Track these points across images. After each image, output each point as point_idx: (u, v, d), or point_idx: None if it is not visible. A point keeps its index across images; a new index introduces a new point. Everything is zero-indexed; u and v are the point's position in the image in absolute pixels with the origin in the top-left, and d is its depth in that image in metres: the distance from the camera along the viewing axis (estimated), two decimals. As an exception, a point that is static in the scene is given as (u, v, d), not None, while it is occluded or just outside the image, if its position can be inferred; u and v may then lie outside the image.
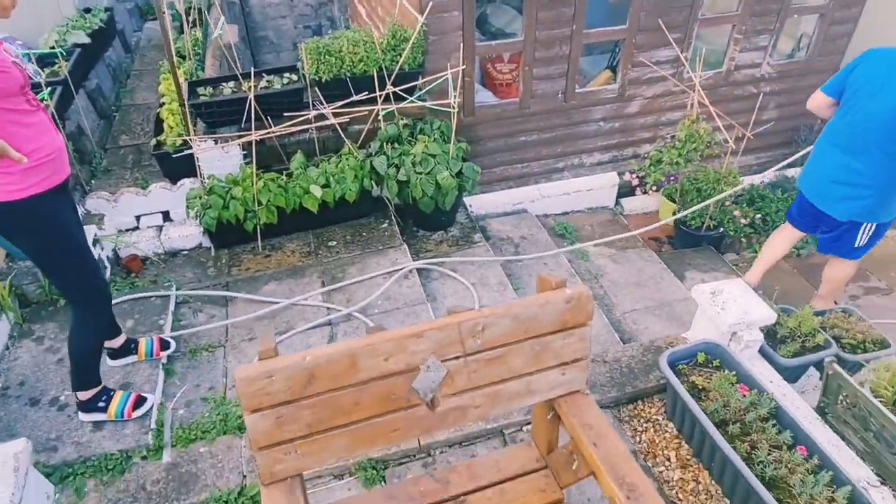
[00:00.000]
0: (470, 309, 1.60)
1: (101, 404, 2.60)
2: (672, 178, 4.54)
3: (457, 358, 1.60)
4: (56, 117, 3.58)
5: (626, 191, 5.08)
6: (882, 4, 5.01)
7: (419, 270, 3.71)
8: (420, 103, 3.87)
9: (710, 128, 4.35)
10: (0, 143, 1.89)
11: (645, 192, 4.96)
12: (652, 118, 4.81)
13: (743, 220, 4.58)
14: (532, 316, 1.62)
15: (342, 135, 3.87)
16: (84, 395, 2.56)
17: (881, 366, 2.88)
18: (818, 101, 3.34)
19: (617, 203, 5.12)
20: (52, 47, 4.26)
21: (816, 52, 4.82)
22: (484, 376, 1.64)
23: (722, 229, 4.57)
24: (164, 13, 3.47)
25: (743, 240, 4.69)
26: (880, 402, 2.76)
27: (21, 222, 2.12)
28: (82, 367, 2.51)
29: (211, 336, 3.24)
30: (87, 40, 4.69)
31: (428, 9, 3.58)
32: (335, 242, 3.95)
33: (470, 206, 4.57)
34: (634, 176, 4.89)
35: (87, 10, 5.18)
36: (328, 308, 3.39)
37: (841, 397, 2.82)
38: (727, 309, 2.86)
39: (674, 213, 4.67)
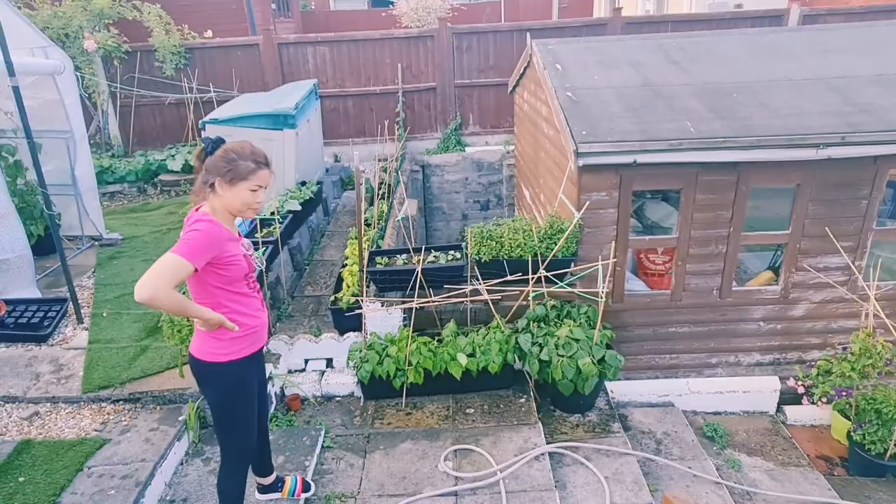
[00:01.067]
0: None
1: None
2: (844, 392, 4.11)
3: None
4: (263, 272, 4.36)
5: (789, 398, 4.65)
6: None
7: (551, 455, 3.67)
8: (569, 289, 4.08)
9: (891, 343, 3.96)
10: (220, 317, 2.37)
11: (813, 403, 4.49)
12: (821, 324, 4.51)
13: (940, 455, 3.92)
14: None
15: (493, 309, 4.17)
16: None
17: None
18: None
19: (779, 410, 4.68)
20: (272, 213, 5.28)
21: None
22: None
23: (912, 461, 3.94)
24: (360, 185, 4.21)
25: (942, 478, 3.97)
26: None
27: (216, 380, 2.54)
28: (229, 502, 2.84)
29: (346, 485, 3.44)
30: (298, 208, 5.74)
31: (585, 207, 3.92)
32: (473, 410, 4.08)
33: (611, 391, 4.50)
34: (800, 384, 4.50)
35: (303, 183, 6.39)
36: (456, 479, 3.45)
37: None
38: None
39: (848, 433, 4.15)
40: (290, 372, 4.34)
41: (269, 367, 4.12)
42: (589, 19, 10.27)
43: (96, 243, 6.06)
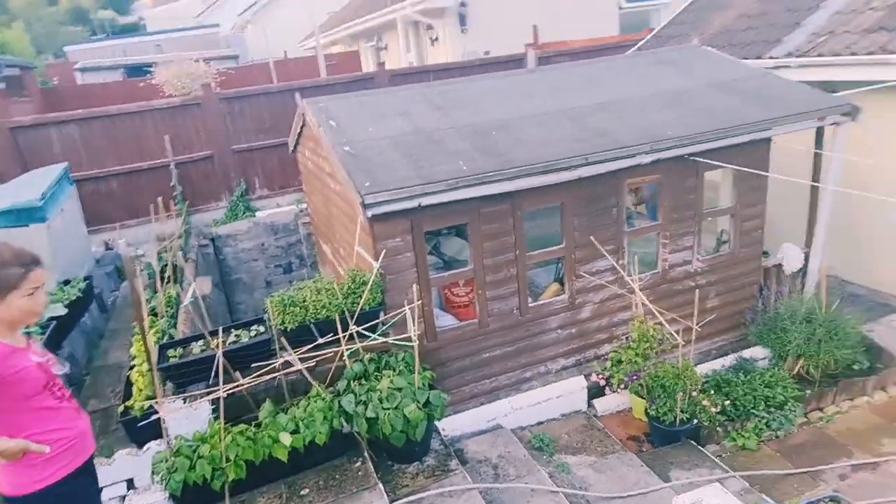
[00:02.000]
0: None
1: None
2: (635, 376, 4.67)
3: None
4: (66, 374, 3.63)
5: (596, 391, 5.15)
6: (777, 202, 5.74)
7: (396, 511, 3.56)
8: (383, 339, 4.07)
9: (658, 324, 4.62)
10: (21, 443, 2.03)
11: (614, 391, 5.03)
12: (605, 320, 5.10)
13: (714, 409, 4.63)
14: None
15: (309, 377, 3.98)
16: None
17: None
18: None
19: (590, 405, 5.16)
20: (28, 327, 4.46)
21: (738, 244, 5.36)
22: None
23: (696, 421, 4.59)
24: (136, 277, 3.76)
25: (719, 429, 4.68)
26: None
27: None
28: None
29: None
30: (63, 311, 4.94)
31: (382, 255, 3.97)
32: (308, 490, 3.81)
33: (443, 429, 4.55)
34: (601, 377, 5.01)
35: (67, 282, 5.53)
36: (301, 571, 3.16)
37: None
38: (711, 520, 2.79)
39: (645, 410, 4.71)
40: (80, 508, 3.63)
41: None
42: (357, 74, 10.67)
43: None
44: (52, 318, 4.76)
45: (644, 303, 4.62)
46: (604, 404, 5.14)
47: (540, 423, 4.95)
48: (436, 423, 4.48)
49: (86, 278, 5.81)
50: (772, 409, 4.77)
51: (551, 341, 4.98)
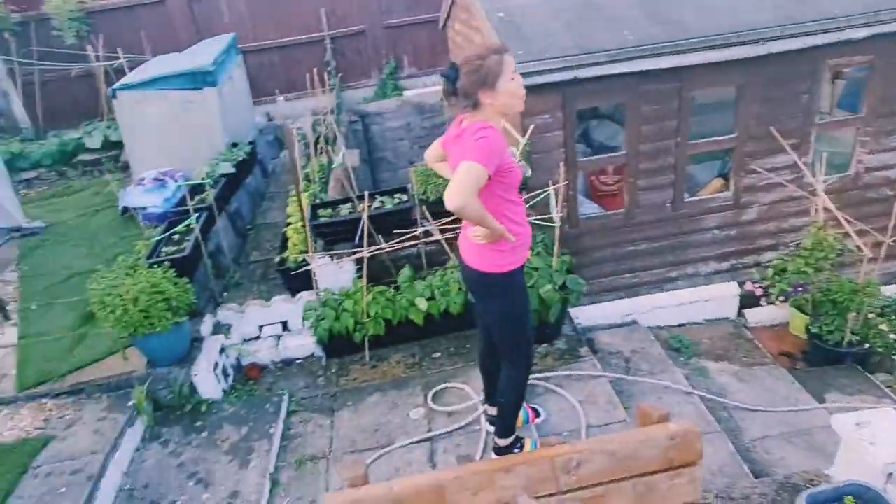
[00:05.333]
0: (562, 442, 1.52)
1: (516, 451, 2.88)
2: (800, 287, 4.17)
3: (550, 496, 1.50)
4: (200, 238, 4.07)
5: (749, 301, 4.71)
6: None
7: (522, 386, 3.61)
8: (523, 218, 3.94)
9: (840, 235, 4.01)
10: (502, 228, 2.32)
11: (771, 303, 4.57)
12: (773, 225, 4.54)
13: (892, 335, 4.04)
14: (631, 453, 1.50)
15: (447, 249, 4.02)
16: (503, 442, 2.87)
17: None
18: None
19: (740, 314, 4.76)
20: (203, 178, 4.92)
21: (963, 149, 4.39)
22: (581, 518, 1.52)
23: (867, 345, 4.06)
24: (293, 144, 3.94)
25: (894, 357, 4.11)
26: None
27: (503, 290, 2.55)
28: (510, 418, 2.85)
29: (315, 447, 3.31)
30: (232, 170, 5.38)
31: (530, 131, 3.75)
32: (439, 354, 3.98)
33: (577, 318, 4.46)
34: (757, 286, 4.55)
35: (235, 145, 5.99)
36: (429, 424, 3.36)
37: None
38: (878, 444, 2.47)
39: (807, 327, 4.24)
40: (244, 341, 4.12)
41: (220, 339, 3.90)
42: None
43: (16, 234, 5.58)
44: (223, 175, 5.21)
45: (828, 207, 4.00)
46: (756, 315, 4.71)
47: (681, 326, 4.69)
48: (570, 309, 4.40)
49: (250, 143, 6.24)
50: (970, 345, 4.07)
51: (706, 241, 4.56)
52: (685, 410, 3.65)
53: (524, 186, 3.80)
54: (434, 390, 3.62)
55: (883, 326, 4.08)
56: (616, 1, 4.12)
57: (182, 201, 4.60)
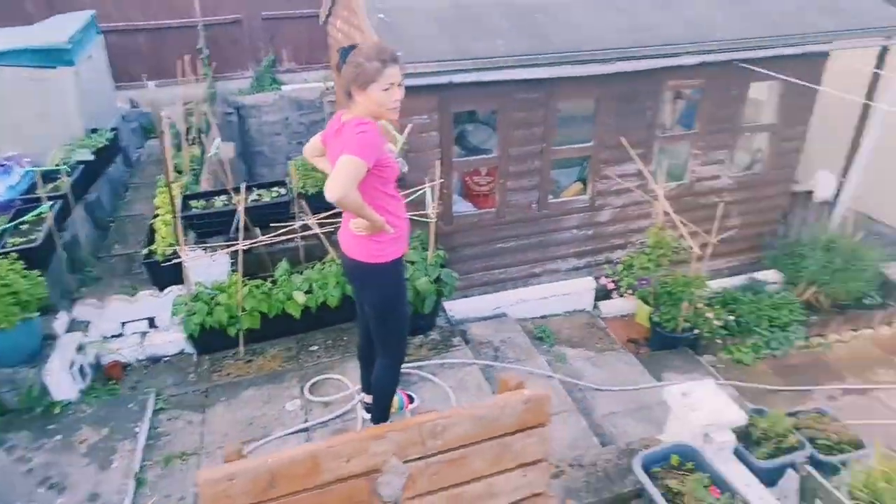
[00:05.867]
0: (431, 410, 1.68)
1: None
2: (644, 281, 4.72)
3: (418, 459, 1.65)
4: (53, 229, 3.77)
5: (603, 294, 5.23)
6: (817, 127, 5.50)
7: (398, 374, 3.75)
8: (400, 214, 4.09)
9: (677, 235, 4.60)
10: (382, 219, 2.43)
11: (621, 296, 5.11)
12: (622, 226, 5.08)
13: (716, 322, 4.71)
14: (492, 417, 1.69)
15: (325, 243, 4.06)
16: None
17: (857, 467, 2.89)
18: None
19: (595, 306, 5.26)
20: (58, 165, 4.54)
21: (770, 165, 5.20)
22: (445, 478, 1.69)
23: (697, 331, 4.69)
24: (163, 132, 3.78)
25: (718, 341, 4.78)
26: (856, 504, 2.74)
27: (383, 279, 2.67)
28: (384, 404, 2.97)
29: (185, 443, 3.21)
30: (91, 157, 5.00)
31: (407, 130, 3.91)
32: (317, 347, 4.01)
33: (450, 310, 4.69)
34: (610, 280, 5.07)
35: (94, 131, 5.56)
36: (306, 415, 3.40)
37: (818, 500, 2.80)
38: (698, 410, 2.91)
39: (649, 316, 4.80)
40: (105, 338, 3.87)
41: (77, 337, 3.64)
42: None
43: None
44: (80, 162, 4.83)
45: (666, 211, 4.57)
46: (608, 307, 5.24)
47: (544, 317, 5.08)
48: (444, 303, 4.62)
49: (112, 130, 5.83)
50: (774, 329, 4.84)
51: (566, 240, 5.00)
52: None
53: (401, 182, 3.94)
54: (311, 382, 3.65)
55: (709, 315, 4.73)
56: (490, 11, 4.41)
57: (31, 188, 4.21)
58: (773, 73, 4.51)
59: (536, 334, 4.78)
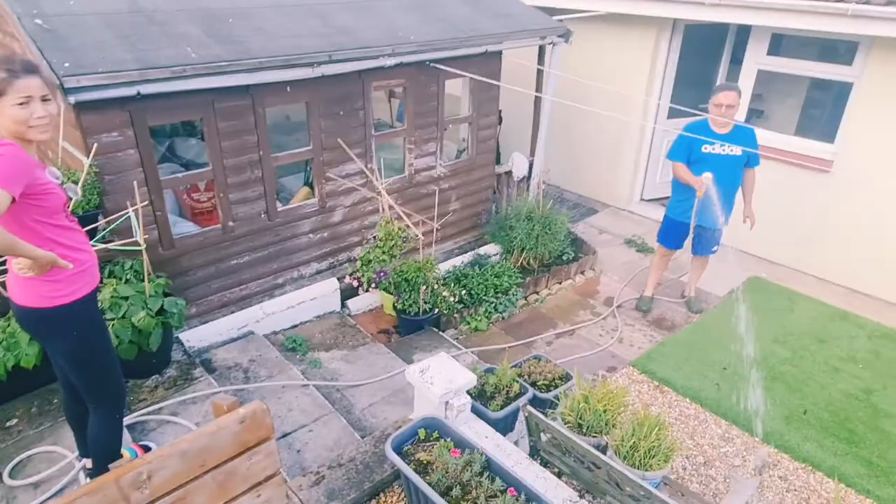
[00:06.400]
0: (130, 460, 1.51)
1: None
2: (383, 273, 4.94)
3: (126, 516, 1.47)
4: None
5: (349, 292, 5.34)
6: (510, 116, 6.40)
7: (130, 426, 3.32)
8: (103, 246, 3.61)
9: (405, 225, 4.91)
10: (51, 255, 2.11)
11: (366, 290, 5.27)
12: (356, 223, 5.23)
13: (452, 298, 5.17)
14: (204, 447, 1.59)
15: (4, 293, 3.37)
16: None
17: (564, 396, 3.45)
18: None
19: (344, 305, 5.35)
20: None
21: (475, 152, 5.86)
22: (167, 526, 1.54)
23: (437, 310, 5.08)
24: None
25: (456, 315, 5.26)
26: (567, 427, 3.28)
27: (65, 325, 2.30)
28: (106, 465, 2.33)
29: None
30: None
31: (94, 152, 3.44)
32: (16, 420, 3.33)
33: (188, 341, 4.31)
34: (353, 278, 5.20)
35: None
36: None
37: (542, 433, 3.28)
38: (436, 382, 3.15)
39: (394, 305, 5.05)
40: None
41: None
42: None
43: None
44: None
45: (391, 205, 4.83)
46: (357, 304, 5.37)
47: (294, 326, 5.00)
48: (179, 334, 4.24)
49: None
50: (499, 295, 5.49)
51: (304, 245, 4.97)
52: (302, 402, 3.94)
53: (81, 210, 3.48)
54: (11, 464, 3.02)
55: (445, 293, 5.16)
56: (177, 17, 4.11)
57: None
58: (460, 71, 5.07)
59: (288, 345, 4.67)
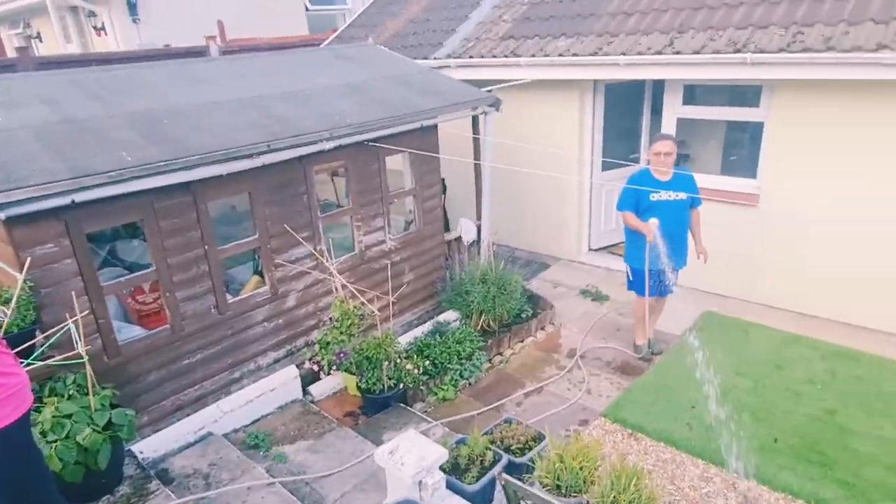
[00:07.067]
0: None
1: None
2: (343, 354, 4.85)
3: None
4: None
5: (311, 378, 5.19)
6: (456, 184, 6.57)
7: (80, 556, 3.06)
8: (41, 363, 3.43)
9: (360, 303, 4.87)
10: None
11: (328, 374, 5.14)
12: (311, 307, 5.16)
13: (416, 371, 5.08)
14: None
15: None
16: None
17: (539, 458, 3.38)
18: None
19: (306, 392, 5.18)
20: None
21: (423, 222, 5.95)
22: None
23: (402, 385, 4.98)
24: None
25: (422, 387, 5.16)
26: (546, 490, 3.20)
27: None
28: None
29: None
30: None
31: (27, 266, 3.33)
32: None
33: (140, 452, 4.06)
34: (313, 363, 5.07)
35: None
36: None
37: (522, 501, 3.19)
38: (406, 462, 3.05)
39: (357, 385, 4.93)
40: None
41: None
42: (-7, 61, 8.71)
43: None
44: None
45: (344, 284, 4.81)
46: (319, 389, 5.21)
47: (255, 421, 4.79)
48: (130, 447, 4.01)
49: None
50: (463, 361, 5.44)
51: (259, 335, 4.85)
52: (269, 501, 3.73)
53: (16, 328, 3.33)
54: None
55: (409, 366, 5.08)
56: (106, 124, 4.11)
57: None
58: (398, 148, 5.22)
59: (250, 443, 4.46)
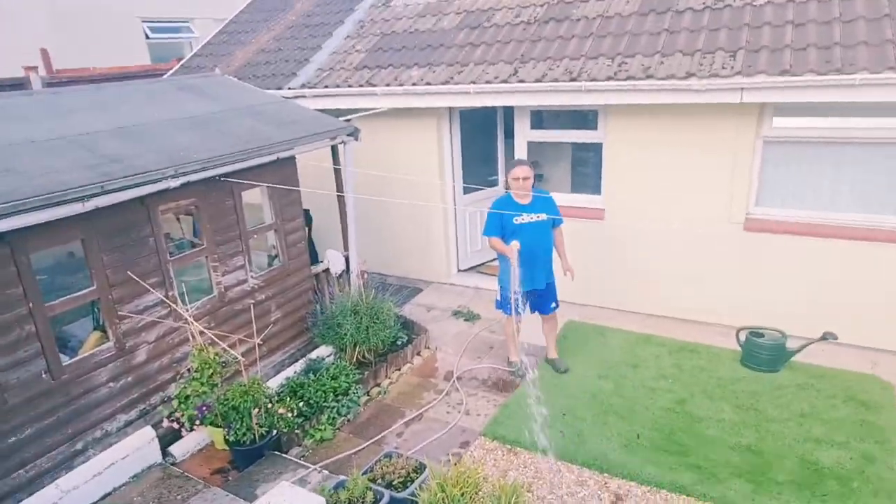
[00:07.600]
0: None
1: None
2: (206, 407, 4.48)
3: None
4: None
5: (172, 437, 4.72)
6: (323, 215, 6.40)
7: None
8: None
9: (221, 349, 4.54)
10: None
11: (190, 430, 4.71)
12: (166, 359, 4.72)
13: (290, 414, 4.82)
14: None
15: None
16: None
17: (420, 490, 3.33)
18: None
19: (166, 454, 4.70)
20: None
21: (287, 257, 5.72)
22: None
23: (275, 431, 4.69)
24: None
25: (298, 431, 4.90)
26: (430, 522, 3.14)
27: None
28: None
29: None
30: None
31: None
32: None
33: (-44, 556, 3.43)
34: (171, 420, 4.62)
35: None
36: None
37: (405, 537, 3.10)
38: (281, 518, 2.86)
39: (224, 438, 4.57)
40: None
41: None
42: None
43: None
44: None
45: (201, 331, 4.46)
46: (182, 447, 4.76)
47: (106, 496, 4.25)
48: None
49: None
50: (340, 397, 5.26)
51: (104, 398, 4.33)
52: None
53: None
54: None
55: (281, 410, 4.80)
56: None
57: None
58: (254, 182, 4.99)
59: (98, 524, 3.94)
